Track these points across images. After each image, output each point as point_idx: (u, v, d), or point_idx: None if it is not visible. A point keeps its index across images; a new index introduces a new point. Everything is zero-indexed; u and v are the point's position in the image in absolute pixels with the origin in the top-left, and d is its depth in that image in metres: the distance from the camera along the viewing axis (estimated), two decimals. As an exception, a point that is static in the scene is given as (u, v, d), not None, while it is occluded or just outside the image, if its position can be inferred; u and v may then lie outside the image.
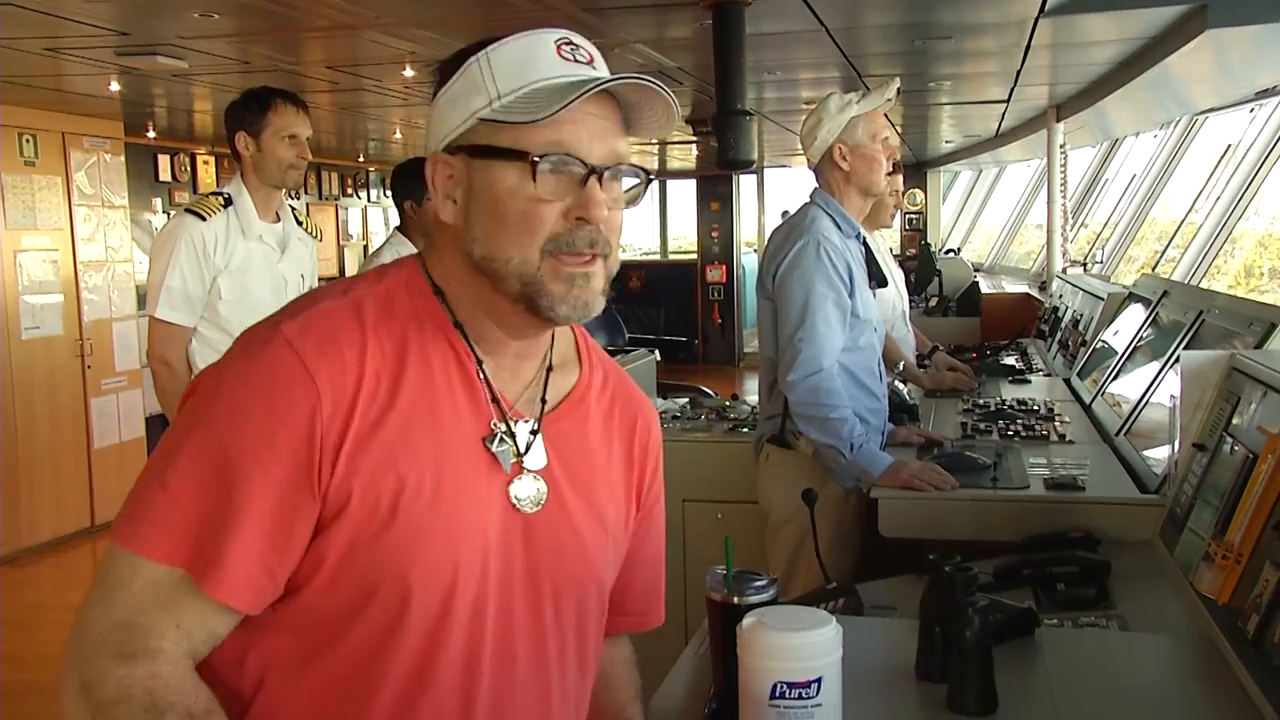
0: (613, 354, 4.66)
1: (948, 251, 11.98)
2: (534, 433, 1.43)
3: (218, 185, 8.59)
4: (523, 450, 1.41)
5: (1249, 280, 7.00)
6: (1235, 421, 2.38)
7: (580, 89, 1.28)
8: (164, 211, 9.92)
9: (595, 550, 1.51)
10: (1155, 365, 3.68)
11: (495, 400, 1.41)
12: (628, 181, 1.41)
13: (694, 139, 10.84)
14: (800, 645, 1.50)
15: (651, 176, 1.46)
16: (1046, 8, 4.79)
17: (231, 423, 1.28)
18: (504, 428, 1.40)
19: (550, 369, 1.50)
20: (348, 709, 1.34)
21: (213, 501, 1.26)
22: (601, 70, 1.40)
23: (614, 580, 1.58)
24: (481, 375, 1.40)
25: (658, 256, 17.29)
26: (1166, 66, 5.25)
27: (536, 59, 1.35)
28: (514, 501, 1.40)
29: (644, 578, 1.69)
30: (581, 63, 1.38)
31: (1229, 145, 6.57)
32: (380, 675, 1.34)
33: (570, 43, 1.38)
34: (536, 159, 1.29)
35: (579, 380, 1.54)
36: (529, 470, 1.42)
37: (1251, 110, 6.26)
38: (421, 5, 4.86)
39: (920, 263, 8.79)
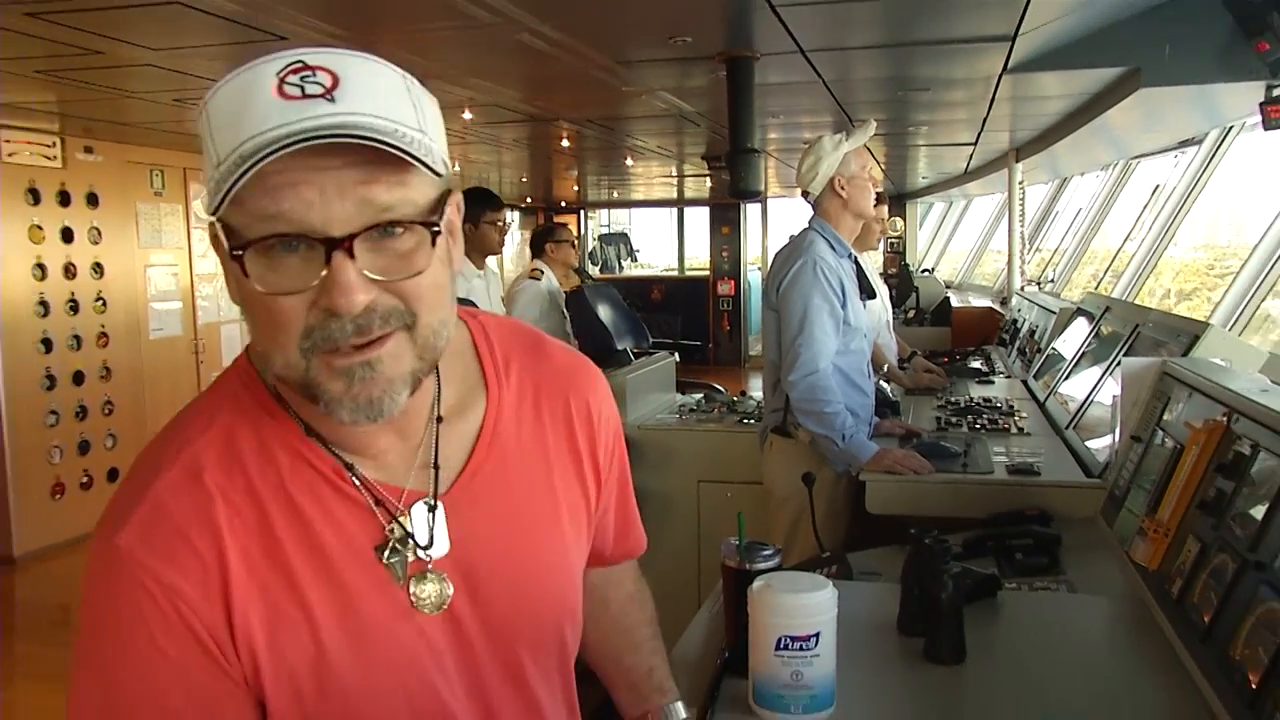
0: (638, 355, 4.74)
1: (924, 271, 11.96)
2: (432, 509, 1.08)
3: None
4: (424, 544, 1.06)
5: (1163, 301, 6.97)
6: (1166, 417, 2.38)
7: (261, 153, 0.86)
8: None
9: (554, 591, 1.20)
10: (1098, 369, 3.67)
11: (379, 502, 1.05)
12: (410, 237, 0.94)
13: (708, 173, 10.83)
14: (802, 605, 1.51)
15: (436, 225, 0.96)
16: (1008, 67, 4.78)
17: (112, 671, 0.98)
18: (397, 531, 1.05)
19: (440, 421, 1.11)
20: None
21: None
22: (347, 98, 0.90)
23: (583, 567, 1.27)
24: (355, 481, 1.04)
25: (675, 273, 17.26)
26: (1106, 118, 5.23)
27: (251, 106, 0.89)
28: (414, 605, 1.06)
29: (618, 520, 1.38)
30: (312, 95, 0.89)
31: (1157, 186, 6.56)
32: None
33: (302, 68, 0.90)
34: (238, 252, 0.90)
35: (486, 412, 1.14)
36: (428, 568, 1.06)
37: (1175, 156, 6.26)
38: (477, 58, 4.87)
39: (900, 280, 8.78)
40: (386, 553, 1.04)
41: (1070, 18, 4.14)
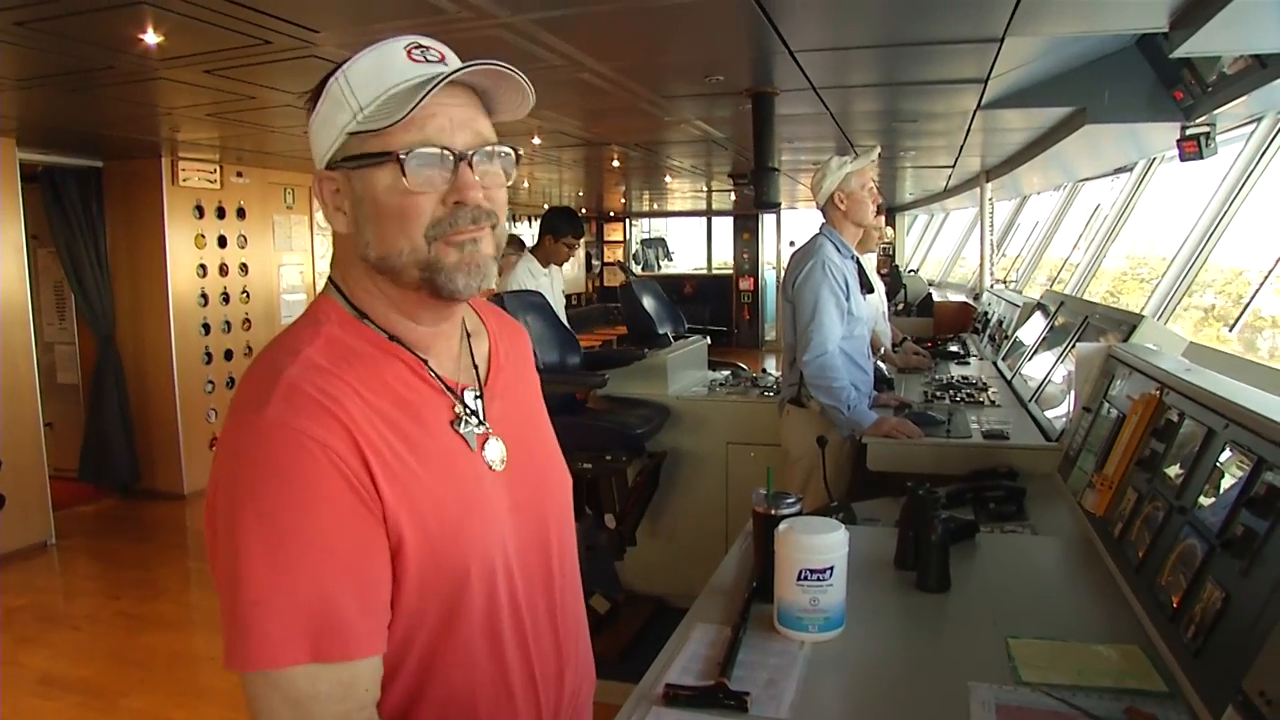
0: (675, 339, 4.77)
1: (910, 271, 11.83)
2: (478, 397, 1.16)
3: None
4: (481, 418, 1.14)
5: (1105, 298, 6.91)
6: (1111, 392, 2.38)
7: (428, 85, 1.00)
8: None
9: (558, 478, 1.28)
10: (1054, 353, 3.65)
11: (449, 389, 1.13)
12: (499, 161, 1.10)
13: (732, 188, 10.77)
14: (819, 543, 1.54)
15: (518, 151, 1.13)
16: (981, 104, 4.73)
17: (278, 518, 0.95)
18: (463, 409, 1.13)
19: (470, 337, 1.22)
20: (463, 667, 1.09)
21: (305, 589, 0.95)
22: (453, 64, 1.09)
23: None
24: (431, 373, 1.12)
25: (704, 271, 17.22)
26: (1059, 148, 5.18)
27: (388, 67, 1.05)
28: (489, 464, 1.13)
29: None
30: (432, 62, 1.07)
31: (1097, 205, 6.49)
32: (468, 634, 1.08)
33: (419, 45, 1.08)
34: (403, 156, 1.02)
35: (489, 340, 1.25)
36: (490, 433, 1.14)
37: (1112, 180, 6.20)
38: (545, 93, 4.84)
39: (891, 278, 8.68)
40: (461, 425, 1.12)
41: (1031, 65, 4.11)
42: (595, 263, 17.42)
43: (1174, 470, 1.73)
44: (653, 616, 4.14)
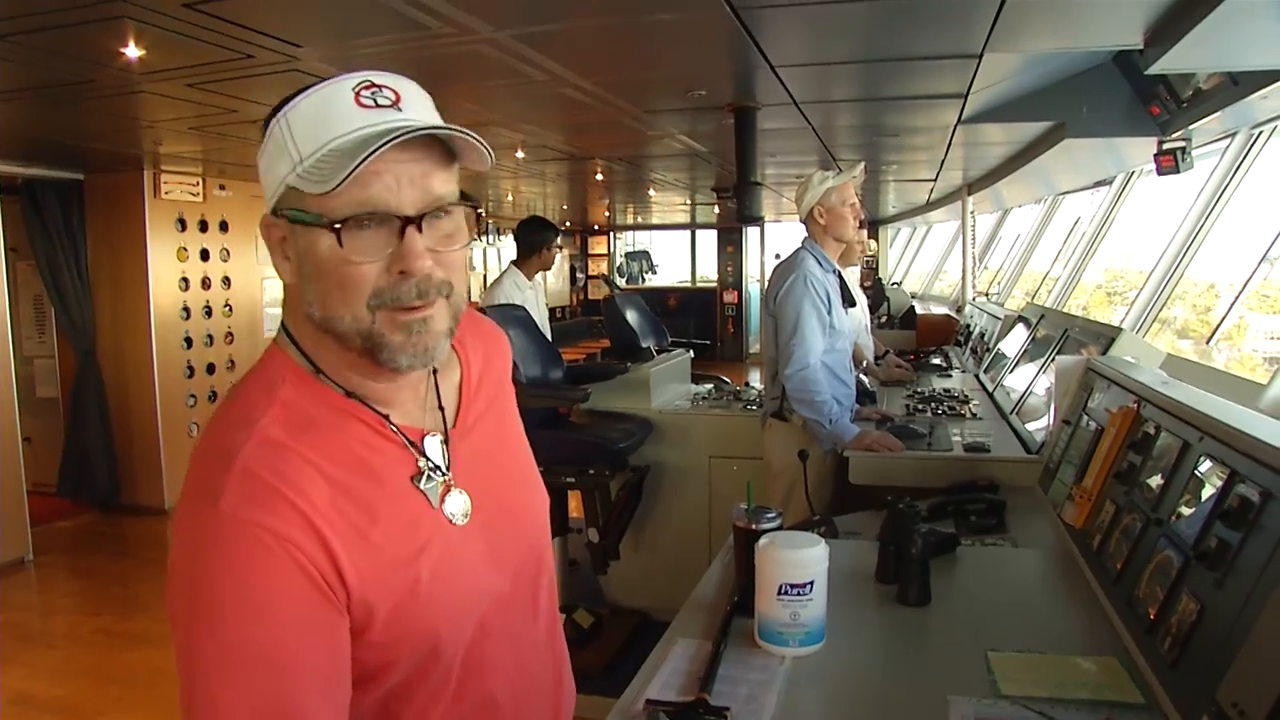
0: (659, 352, 4.78)
1: (894, 284, 11.91)
2: (444, 442, 1.09)
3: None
4: (445, 468, 1.08)
5: (1084, 311, 6.96)
6: (1090, 405, 2.39)
7: (369, 148, 0.90)
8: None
9: (535, 512, 1.22)
10: (1035, 365, 3.67)
11: (411, 443, 1.06)
12: (450, 221, 1.00)
13: (716, 201, 10.81)
14: (800, 558, 1.54)
15: (478, 205, 1.04)
16: (961, 119, 4.78)
17: (235, 624, 0.88)
18: (425, 461, 1.06)
19: (435, 373, 1.13)
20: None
21: (259, 693, 0.89)
22: (410, 108, 0.98)
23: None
24: (393, 427, 1.05)
25: (689, 284, 17.27)
26: (1039, 162, 5.24)
27: (333, 113, 0.95)
28: (450, 519, 1.06)
29: None
30: (384, 105, 0.96)
31: (1078, 219, 6.55)
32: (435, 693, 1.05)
33: (370, 85, 0.97)
34: (338, 227, 0.93)
35: (462, 368, 1.18)
36: (452, 485, 1.07)
37: (1093, 193, 6.27)
38: (529, 108, 4.88)
39: (874, 291, 8.73)
40: (422, 480, 1.05)
41: (1010, 81, 4.16)
42: (580, 276, 17.44)
43: (1151, 483, 1.74)
44: (636, 630, 4.13)
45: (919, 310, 7.95)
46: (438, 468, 1.07)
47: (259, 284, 7.79)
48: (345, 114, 0.95)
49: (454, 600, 1.04)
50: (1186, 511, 1.54)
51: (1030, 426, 3.18)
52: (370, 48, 3.37)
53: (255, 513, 0.91)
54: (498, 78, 3.95)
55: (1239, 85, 3.32)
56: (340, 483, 0.97)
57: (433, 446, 1.08)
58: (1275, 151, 3.99)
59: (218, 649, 0.88)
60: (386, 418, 1.04)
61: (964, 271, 7.63)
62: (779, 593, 1.55)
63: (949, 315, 7.17)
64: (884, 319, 8.13)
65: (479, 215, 1.04)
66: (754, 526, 1.70)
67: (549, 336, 4.66)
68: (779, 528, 1.71)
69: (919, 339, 6.63)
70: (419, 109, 0.99)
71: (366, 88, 0.97)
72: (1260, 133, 3.99)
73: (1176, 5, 2.75)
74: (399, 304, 0.96)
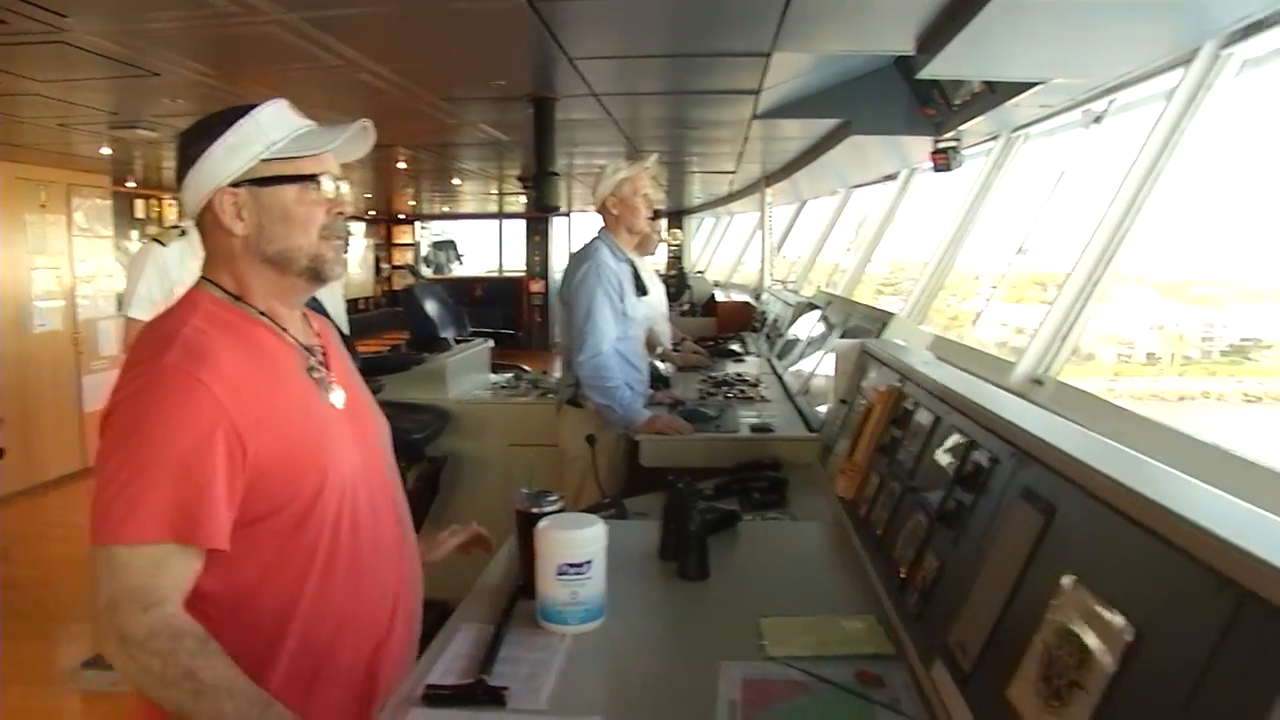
0: (458, 342, 4.73)
1: (698, 272, 12.20)
2: (321, 362, 1.52)
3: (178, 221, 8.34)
4: (324, 369, 1.51)
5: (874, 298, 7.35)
6: (863, 385, 2.55)
7: (345, 130, 1.45)
8: (139, 240, 9.47)
9: (383, 425, 1.65)
10: (822, 349, 3.88)
11: (304, 347, 1.50)
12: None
13: (523, 191, 10.76)
14: (577, 538, 1.59)
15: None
16: (756, 114, 4.95)
17: (169, 434, 1.28)
18: (312, 360, 1.50)
19: (308, 320, 1.59)
20: (296, 574, 1.42)
21: (183, 487, 1.28)
22: (328, 123, 1.50)
23: None
24: (290, 336, 1.49)
25: (496, 274, 17.17)
26: (830, 156, 5.48)
27: (287, 116, 1.45)
28: (334, 404, 1.49)
29: None
30: (306, 119, 1.48)
31: (865, 217, 6.92)
32: (312, 542, 1.41)
33: (291, 106, 1.47)
34: (322, 178, 1.44)
35: (312, 321, 1.61)
36: (332, 381, 1.51)
37: (883, 187, 6.62)
38: (326, 94, 4.63)
39: (678, 280, 8.92)
40: (313, 372, 1.49)
41: (801, 79, 4.35)
42: (384, 266, 17.01)
43: (909, 454, 1.89)
44: (439, 622, 4.07)
45: (720, 297, 8.18)
46: (323, 365, 1.52)
47: (27, 275, 7.24)
48: (294, 118, 1.47)
49: (333, 459, 1.43)
50: (934, 479, 1.68)
51: (819, 408, 3.34)
52: (154, 23, 3.19)
53: (189, 365, 1.31)
54: (291, 61, 3.80)
55: (996, 93, 3.62)
56: (250, 364, 1.38)
57: (315, 359, 1.52)
58: (1030, 154, 4.37)
59: (147, 457, 1.28)
60: (285, 330, 1.48)
61: (762, 260, 7.92)
62: (559, 573, 1.60)
63: (748, 302, 7.41)
64: (686, 307, 8.31)
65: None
66: (534, 510, 1.73)
67: (346, 329, 4.52)
68: (561, 510, 1.75)
69: (719, 325, 6.80)
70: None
71: (292, 108, 1.47)
72: (1019, 136, 4.36)
73: (942, 15, 2.96)
74: (335, 234, 1.47)
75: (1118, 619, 0.96)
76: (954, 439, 1.66)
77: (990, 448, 1.47)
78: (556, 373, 4.77)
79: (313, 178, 1.44)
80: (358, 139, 1.50)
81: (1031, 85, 3.35)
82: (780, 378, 4.33)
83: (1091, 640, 0.99)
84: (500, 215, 16.55)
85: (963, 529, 1.44)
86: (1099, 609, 1.00)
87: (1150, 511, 0.98)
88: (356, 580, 1.48)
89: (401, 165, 8.48)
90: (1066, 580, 1.08)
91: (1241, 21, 2.60)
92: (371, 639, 1.52)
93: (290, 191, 1.42)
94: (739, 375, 4.40)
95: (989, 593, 1.25)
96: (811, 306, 4.82)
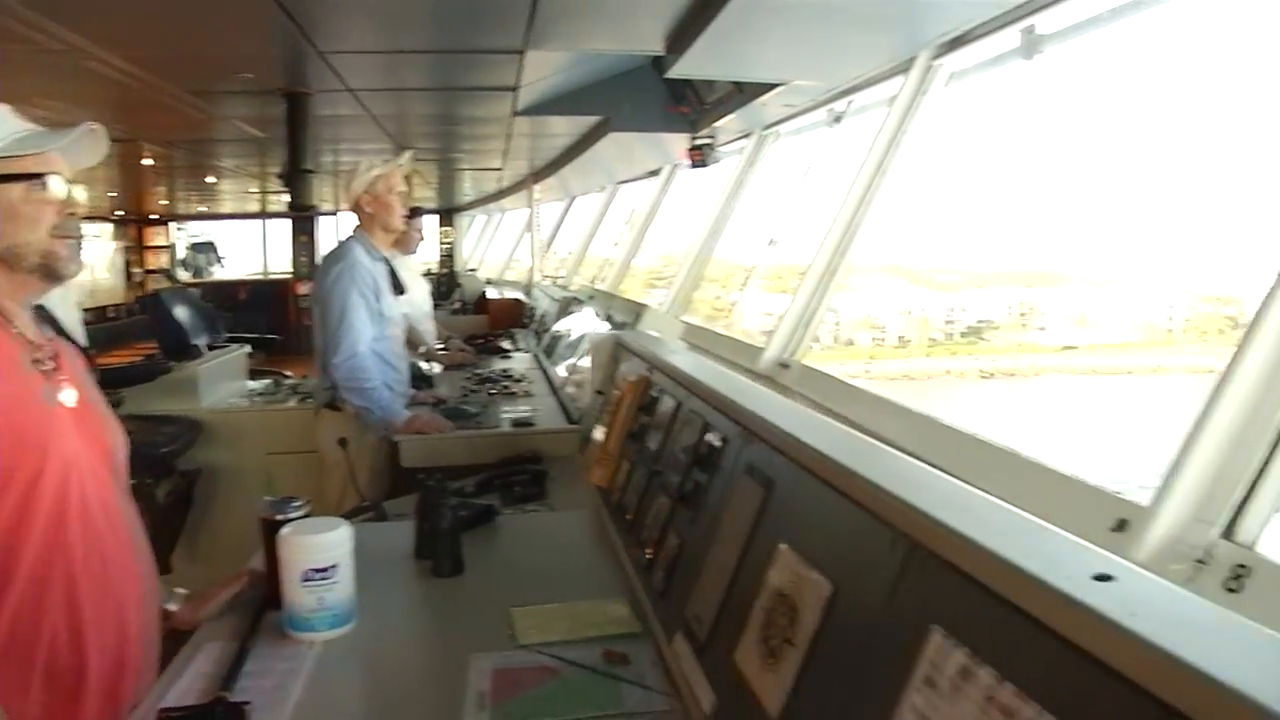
0: (212, 349, 4.49)
1: (469, 270, 12.11)
2: (52, 359, 1.50)
3: None
4: (53, 365, 1.50)
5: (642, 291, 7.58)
6: (617, 376, 2.62)
7: (70, 132, 1.46)
8: None
9: (120, 437, 1.61)
10: (585, 342, 3.96)
11: (30, 342, 1.48)
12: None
13: (285, 190, 10.30)
14: (320, 542, 1.56)
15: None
16: (516, 110, 4.97)
17: None
18: (38, 354, 1.48)
19: (41, 324, 1.58)
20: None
21: None
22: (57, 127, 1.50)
23: None
24: (16, 331, 1.47)
25: (261, 276, 16.34)
26: (594, 152, 5.60)
27: (6, 120, 1.46)
28: (61, 401, 1.48)
29: None
30: (30, 124, 1.48)
31: (633, 210, 7.09)
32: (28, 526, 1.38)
33: (14, 111, 1.48)
34: (49, 178, 1.44)
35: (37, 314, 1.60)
36: (61, 380, 1.50)
37: (648, 182, 6.82)
38: (45, 81, 4.33)
39: (448, 278, 8.83)
40: (37, 367, 1.47)
41: (559, 76, 4.42)
42: (136, 270, 15.82)
43: (655, 439, 1.96)
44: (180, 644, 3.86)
45: (491, 295, 8.15)
46: (52, 359, 1.50)
47: None
48: (14, 121, 1.47)
49: (56, 444, 1.42)
50: (676, 462, 1.75)
51: (578, 400, 3.40)
52: None
53: None
54: (2, 43, 3.48)
55: (744, 93, 3.81)
56: None
57: (46, 351, 1.51)
58: (781, 151, 4.63)
59: None
60: (12, 323, 1.47)
61: (532, 256, 7.96)
62: (304, 579, 1.56)
63: (519, 299, 7.42)
64: (458, 305, 8.21)
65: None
66: (277, 517, 1.67)
67: (83, 340, 4.17)
68: (306, 515, 1.70)
69: (490, 323, 6.77)
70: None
71: (13, 112, 1.47)
72: (770, 134, 4.60)
73: (686, 17, 3.09)
74: (68, 233, 1.47)
75: (819, 577, 1.04)
76: (692, 423, 1.74)
77: (721, 428, 1.56)
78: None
79: (38, 176, 1.44)
80: (89, 144, 1.52)
81: (775, 86, 3.56)
82: (546, 372, 4.37)
83: (799, 600, 1.07)
84: (264, 215, 15.76)
85: (699, 507, 1.52)
86: (805, 570, 1.08)
87: (842, 476, 1.08)
88: (96, 578, 1.46)
89: (148, 162, 7.92)
90: (782, 547, 1.16)
91: (945, 35, 2.88)
92: (115, 640, 1.49)
93: (15, 190, 1.43)
94: (505, 372, 4.40)
95: (720, 565, 1.33)
96: (577, 300, 4.89)
